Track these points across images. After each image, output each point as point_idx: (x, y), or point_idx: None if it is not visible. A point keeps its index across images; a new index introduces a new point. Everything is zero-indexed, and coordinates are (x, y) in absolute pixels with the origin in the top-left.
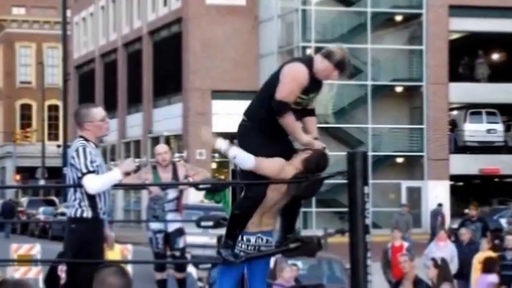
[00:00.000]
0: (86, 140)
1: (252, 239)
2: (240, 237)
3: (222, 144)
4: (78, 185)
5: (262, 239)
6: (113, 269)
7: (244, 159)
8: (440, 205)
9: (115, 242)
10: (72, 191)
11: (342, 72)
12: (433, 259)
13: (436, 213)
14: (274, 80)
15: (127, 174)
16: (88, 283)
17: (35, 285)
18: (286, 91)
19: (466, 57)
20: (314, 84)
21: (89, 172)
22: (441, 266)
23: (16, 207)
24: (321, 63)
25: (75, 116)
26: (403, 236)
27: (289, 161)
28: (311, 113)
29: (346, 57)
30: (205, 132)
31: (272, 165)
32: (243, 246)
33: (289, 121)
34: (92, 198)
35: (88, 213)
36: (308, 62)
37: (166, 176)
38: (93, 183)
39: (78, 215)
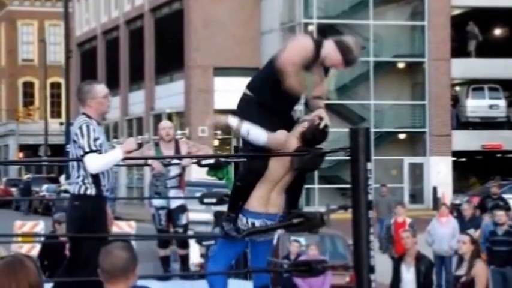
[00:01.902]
0: (89, 117)
1: (257, 223)
2: (244, 220)
3: (233, 120)
4: (81, 160)
5: (266, 224)
6: (120, 243)
7: (258, 134)
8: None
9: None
10: (75, 167)
11: (349, 67)
12: (469, 235)
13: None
14: (279, 52)
15: (129, 153)
16: (91, 260)
17: (38, 263)
18: (291, 52)
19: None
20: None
21: (91, 151)
22: (476, 242)
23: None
24: (333, 52)
25: (77, 93)
26: (383, 218)
27: (290, 132)
28: (317, 98)
29: (359, 55)
30: (211, 120)
31: (280, 138)
32: (247, 228)
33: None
34: (95, 175)
35: (92, 191)
36: (318, 42)
37: (168, 153)
38: (93, 163)
39: (81, 192)
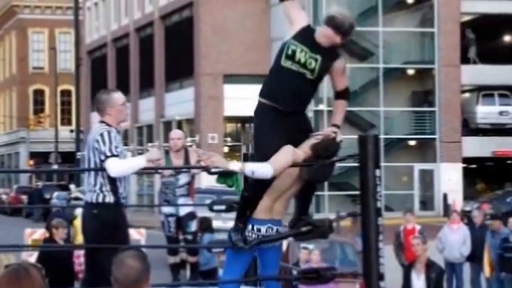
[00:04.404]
0: (108, 125)
1: (263, 229)
2: (250, 227)
3: (235, 165)
4: (100, 168)
5: (272, 229)
6: (133, 252)
7: (262, 170)
8: None
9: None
10: (93, 175)
11: (344, 37)
12: None
13: None
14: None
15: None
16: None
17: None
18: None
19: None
20: (313, 43)
21: (113, 156)
22: None
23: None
24: (322, 29)
25: (95, 103)
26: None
27: (299, 146)
28: (342, 95)
29: (346, 21)
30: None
31: (287, 162)
32: (253, 235)
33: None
34: (113, 183)
35: (110, 198)
36: (311, 28)
37: (178, 162)
38: (115, 166)
39: (100, 200)
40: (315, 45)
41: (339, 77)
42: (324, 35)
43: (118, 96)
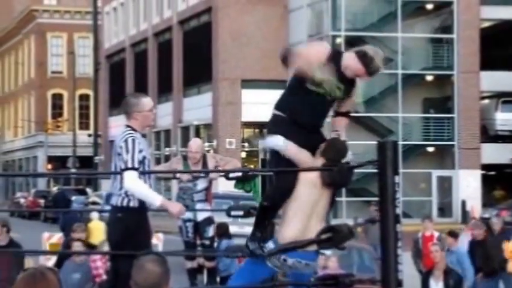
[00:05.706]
0: (133, 130)
1: (290, 261)
2: (273, 248)
3: (275, 141)
4: (119, 172)
5: (300, 263)
6: (153, 257)
7: (276, 141)
8: None
9: None
10: (118, 179)
11: (370, 76)
12: None
13: None
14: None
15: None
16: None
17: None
18: (303, 50)
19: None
20: (338, 71)
21: (133, 168)
22: None
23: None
24: (353, 62)
25: (124, 105)
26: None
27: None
28: (344, 114)
29: (376, 62)
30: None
31: (305, 157)
32: (278, 263)
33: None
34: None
35: (135, 202)
36: (337, 51)
37: (196, 168)
38: (131, 181)
39: (124, 204)
40: (340, 74)
41: (348, 100)
42: (352, 68)
43: (146, 102)
